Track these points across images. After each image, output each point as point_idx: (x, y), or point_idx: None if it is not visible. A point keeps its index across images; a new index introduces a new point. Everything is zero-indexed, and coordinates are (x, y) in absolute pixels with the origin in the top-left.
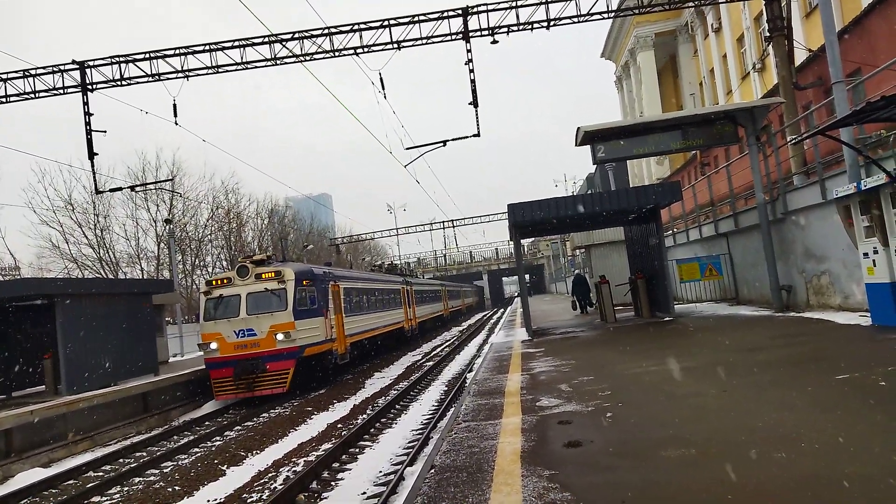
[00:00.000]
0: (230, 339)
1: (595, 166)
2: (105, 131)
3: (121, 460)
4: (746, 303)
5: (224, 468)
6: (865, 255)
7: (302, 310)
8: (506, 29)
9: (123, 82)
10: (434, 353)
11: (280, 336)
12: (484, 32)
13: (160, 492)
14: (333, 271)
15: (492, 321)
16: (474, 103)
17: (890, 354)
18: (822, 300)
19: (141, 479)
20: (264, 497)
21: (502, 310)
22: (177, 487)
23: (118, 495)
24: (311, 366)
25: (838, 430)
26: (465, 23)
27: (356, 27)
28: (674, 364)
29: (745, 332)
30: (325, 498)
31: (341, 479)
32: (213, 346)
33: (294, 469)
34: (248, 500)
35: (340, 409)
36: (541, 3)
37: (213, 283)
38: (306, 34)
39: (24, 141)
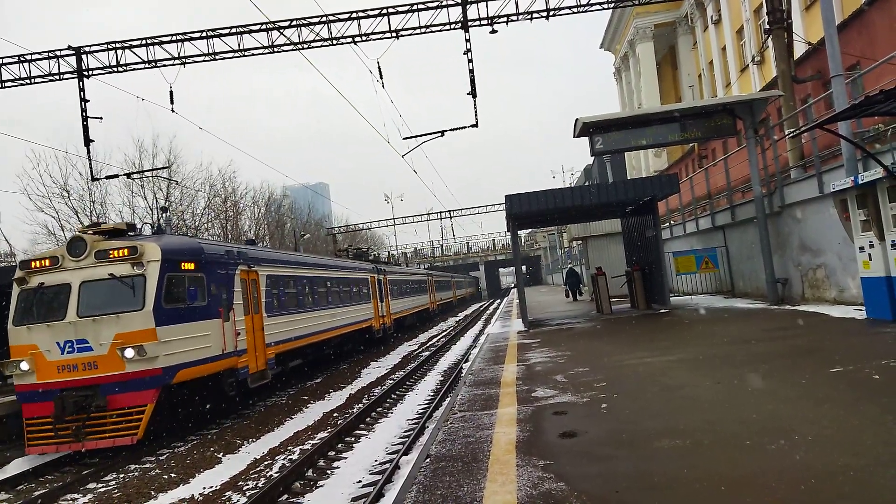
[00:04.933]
0: (51, 356)
1: (593, 158)
2: (101, 118)
3: None
4: (742, 296)
5: (220, 456)
6: (861, 248)
7: (174, 309)
8: (505, 18)
9: (120, 69)
10: (430, 342)
11: (130, 352)
12: (483, 22)
13: (156, 479)
14: (249, 251)
15: (488, 312)
16: (473, 93)
17: (884, 348)
18: (818, 294)
19: (137, 466)
20: (260, 485)
21: (498, 301)
22: (172, 475)
23: (114, 482)
24: (196, 394)
25: (831, 422)
26: (464, 12)
27: (354, 15)
28: (669, 356)
29: (741, 324)
30: (321, 486)
31: (337, 467)
32: (25, 365)
33: (290, 457)
34: (244, 488)
35: (336, 399)
36: None
37: (31, 265)
38: (304, 22)
39: (19, 126)
